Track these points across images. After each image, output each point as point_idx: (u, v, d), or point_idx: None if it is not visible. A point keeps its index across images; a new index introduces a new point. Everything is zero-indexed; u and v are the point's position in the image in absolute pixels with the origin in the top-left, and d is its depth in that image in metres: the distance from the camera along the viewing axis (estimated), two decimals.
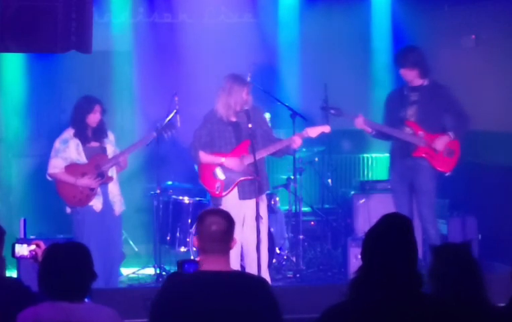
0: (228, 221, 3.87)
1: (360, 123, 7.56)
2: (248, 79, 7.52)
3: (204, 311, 3.69)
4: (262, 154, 7.06)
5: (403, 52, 7.70)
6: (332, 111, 7.72)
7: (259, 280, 4.11)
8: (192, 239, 8.27)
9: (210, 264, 3.82)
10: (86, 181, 7.33)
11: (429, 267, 3.70)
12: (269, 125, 7.40)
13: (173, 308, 3.73)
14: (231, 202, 6.92)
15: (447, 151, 7.53)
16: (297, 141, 7.11)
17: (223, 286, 3.76)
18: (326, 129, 7.24)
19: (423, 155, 7.51)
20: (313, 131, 7.20)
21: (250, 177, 6.99)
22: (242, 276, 4.15)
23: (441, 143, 7.49)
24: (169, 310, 3.73)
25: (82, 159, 7.39)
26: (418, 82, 7.57)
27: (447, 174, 7.61)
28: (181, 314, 3.70)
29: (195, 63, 9.66)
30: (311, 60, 10.18)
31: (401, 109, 7.59)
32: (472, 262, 3.68)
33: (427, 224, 7.50)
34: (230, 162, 7.06)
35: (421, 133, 7.52)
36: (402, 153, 7.60)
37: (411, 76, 7.55)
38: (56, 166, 7.37)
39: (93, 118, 7.42)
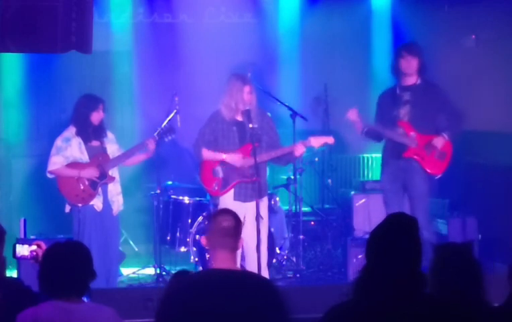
0: (236, 220, 4.07)
1: (353, 114, 7.50)
2: (248, 78, 7.51)
3: (210, 310, 3.70)
4: (263, 158, 7.05)
5: (409, 42, 7.71)
6: (324, 106, 7.68)
7: (266, 280, 4.20)
8: (192, 239, 8.27)
9: (219, 262, 3.92)
10: (89, 172, 7.35)
11: (430, 266, 3.70)
12: (277, 133, 7.36)
13: (180, 307, 3.74)
14: (228, 203, 6.91)
15: (439, 154, 7.52)
16: (299, 149, 7.08)
17: (231, 286, 3.80)
18: (330, 140, 7.14)
19: (414, 156, 7.49)
20: (317, 141, 7.13)
21: (248, 179, 6.99)
22: (249, 276, 4.19)
23: (439, 142, 7.46)
24: (177, 309, 3.74)
25: (85, 157, 7.41)
26: (413, 79, 7.54)
27: (437, 177, 7.59)
28: (188, 313, 3.71)
29: (195, 63, 9.67)
30: (311, 60, 10.19)
31: (394, 108, 7.55)
32: (473, 262, 3.68)
33: (422, 228, 7.47)
34: (232, 157, 7.05)
35: (412, 133, 7.49)
36: (394, 154, 7.57)
37: (414, 69, 7.49)
38: (56, 162, 7.38)
39: (97, 116, 7.45)
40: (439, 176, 7.57)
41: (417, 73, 7.53)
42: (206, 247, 4.06)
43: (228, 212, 4.17)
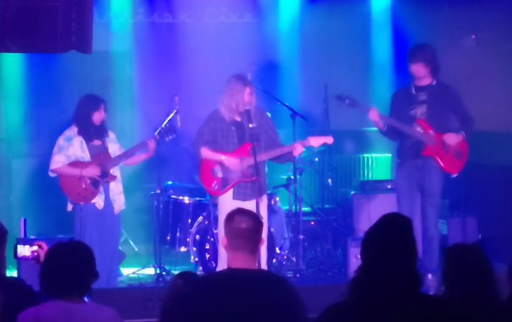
0: (256, 221, 3.95)
1: (374, 114, 7.52)
2: (248, 79, 7.51)
3: (228, 309, 3.68)
4: (262, 158, 7.06)
5: (420, 47, 7.70)
6: (347, 101, 7.69)
7: (283, 279, 4.11)
8: (192, 239, 8.27)
9: (237, 262, 3.85)
10: (91, 170, 7.36)
11: (442, 269, 3.71)
12: (276, 131, 7.35)
13: (198, 307, 3.71)
14: (227, 202, 6.91)
15: (456, 153, 7.55)
16: (298, 149, 7.07)
17: (249, 285, 3.77)
18: (329, 140, 7.14)
19: (433, 154, 7.52)
20: (316, 141, 7.13)
21: (248, 179, 6.99)
22: (267, 275, 4.17)
23: (453, 139, 7.50)
24: (195, 309, 3.72)
25: (87, 156, 7.44)
26: (427, 80, 7.59)
27: (453, 176, 7.62)
28: (206, 313, 3.69)
29: (195, 63, 9.67)
30: (311, 59, 10.19)
31: (410, 107, 7.59)
32: (486, 263, 3.70)
33: (430, 225, 7.50)
34: (230, 160, 7.06)
35: (431, 132, 7.53)
36: (412, 153, 7.58)
37: (424, 73, 7.54)
38: (59, 161, 7.41)
39: (98, 116, 7.49)
40: (455, 175, 7.61)
41: (430, 74, 7.57)
42: (225, 249, 3.92)
43: (246, 212, 4.02)
